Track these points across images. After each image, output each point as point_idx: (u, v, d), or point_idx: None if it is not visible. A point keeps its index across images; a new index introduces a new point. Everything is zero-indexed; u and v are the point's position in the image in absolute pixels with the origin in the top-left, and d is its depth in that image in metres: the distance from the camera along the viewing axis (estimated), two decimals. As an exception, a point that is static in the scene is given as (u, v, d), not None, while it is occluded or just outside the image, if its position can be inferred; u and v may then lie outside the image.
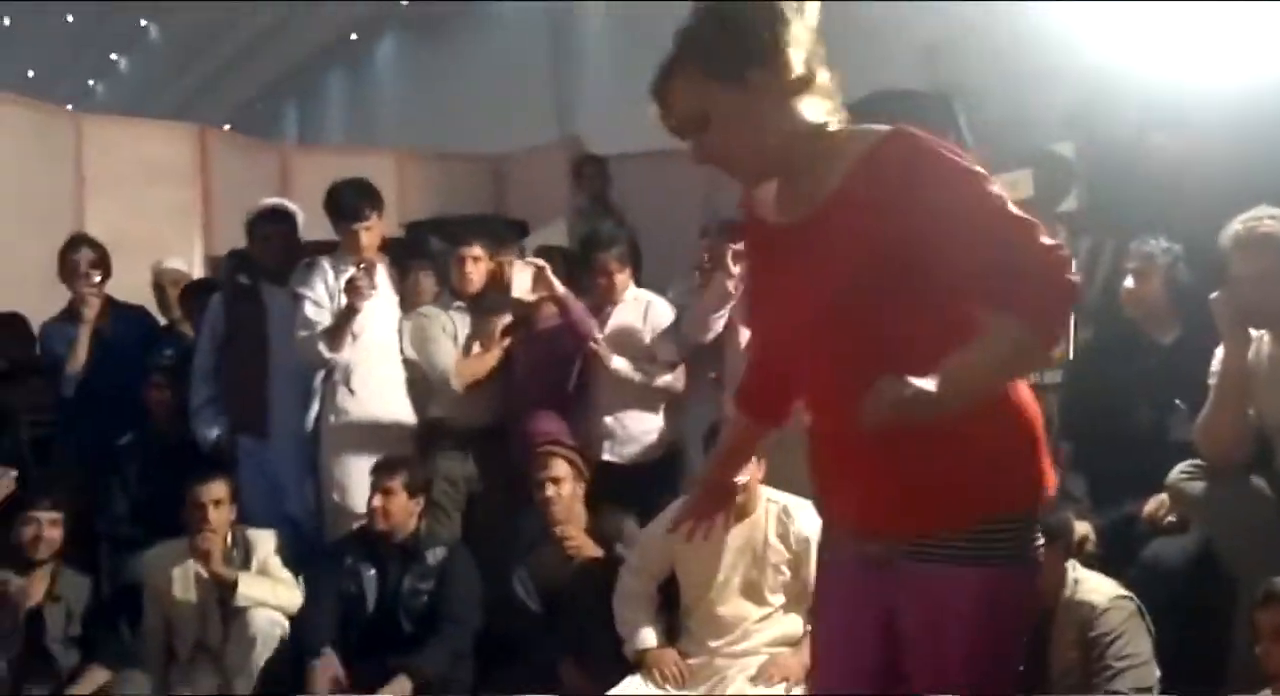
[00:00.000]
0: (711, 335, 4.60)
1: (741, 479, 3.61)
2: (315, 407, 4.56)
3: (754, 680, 3.48)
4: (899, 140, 1.78)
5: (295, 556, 4.23)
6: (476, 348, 4.64)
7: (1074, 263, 1.76)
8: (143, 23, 19.73)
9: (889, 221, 1.75)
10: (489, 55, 15.08)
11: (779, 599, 3.67)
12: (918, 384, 1.65)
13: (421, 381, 4.60)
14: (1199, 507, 3.33)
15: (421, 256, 5.19)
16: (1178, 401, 3.68)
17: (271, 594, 4.03)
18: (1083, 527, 3.52)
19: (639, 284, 4.80)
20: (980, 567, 1.80)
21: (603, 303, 4.66)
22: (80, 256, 5.12)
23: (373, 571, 3.99)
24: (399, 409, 4.56)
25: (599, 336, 4.53)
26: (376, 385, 4.51)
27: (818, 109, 1.84)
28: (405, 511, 4.02)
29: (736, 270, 4.53)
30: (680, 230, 6.37)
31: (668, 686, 3.56)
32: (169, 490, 4.20)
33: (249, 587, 3.99)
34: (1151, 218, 4.32)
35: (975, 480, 1.80)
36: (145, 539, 4.28)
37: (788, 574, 3.67)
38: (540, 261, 4.62)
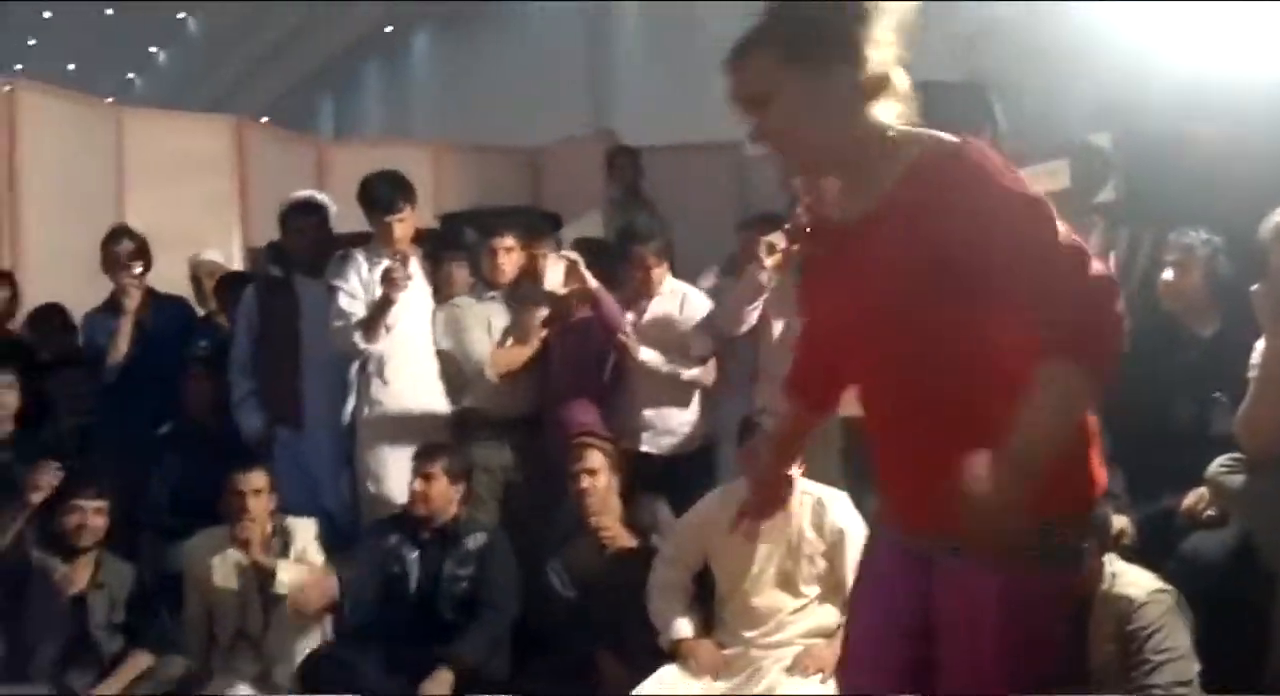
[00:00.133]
0: (745, 328, 4.60)
1: (795, 471, 3.65)
2: (351, 399, 4.59)
3: (789, 671, 3.49)
4: (953, 154, 1.76)
5: (330, 548, 4.26)
6: (511, 340, 4.66)
7: (1120, 293, 1.73)
8: (180, 16, 19.91)
9: (932, 233, 1.74)
10: (524, 48, 15.12)
11: (814, 590, 3.68)
12: (997, 465, 1.65)
13: (455, 372, 4.62)
14: (1239, 501, 3.30)
15: (455, 248, 5.22)
16: (1218, 395, 3.65)
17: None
18: (1120, 521, 3.51)
19: (673, 274, 4.81)
20: (1020, 568, 1.78)
21: (639, 296, 4.66)
22: (121, 248, 5.17)
23: (415, 554, 4.02)
24: (433, 399, 4.59)
25: (629, 329, 4.54)
26: (410, 376, 4.53)
27: (887, 112, 1.83)
28: (445, 496, 4.04)
29: (769, 263, 4.53)
30: (711, 222, 6.38)
31: (703, 677, 3.58)
32: (208, 479, 4.25)
33: (288, 575, 4.04)
34: (1191, 209, 4.28)
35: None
36: (185, 527, 4.32)
37: (822, 565, 3.68)
38: (573, 255, 4.63)
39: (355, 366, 4.56)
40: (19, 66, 16.95)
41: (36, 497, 4.13)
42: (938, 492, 1.83)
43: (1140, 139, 5.00)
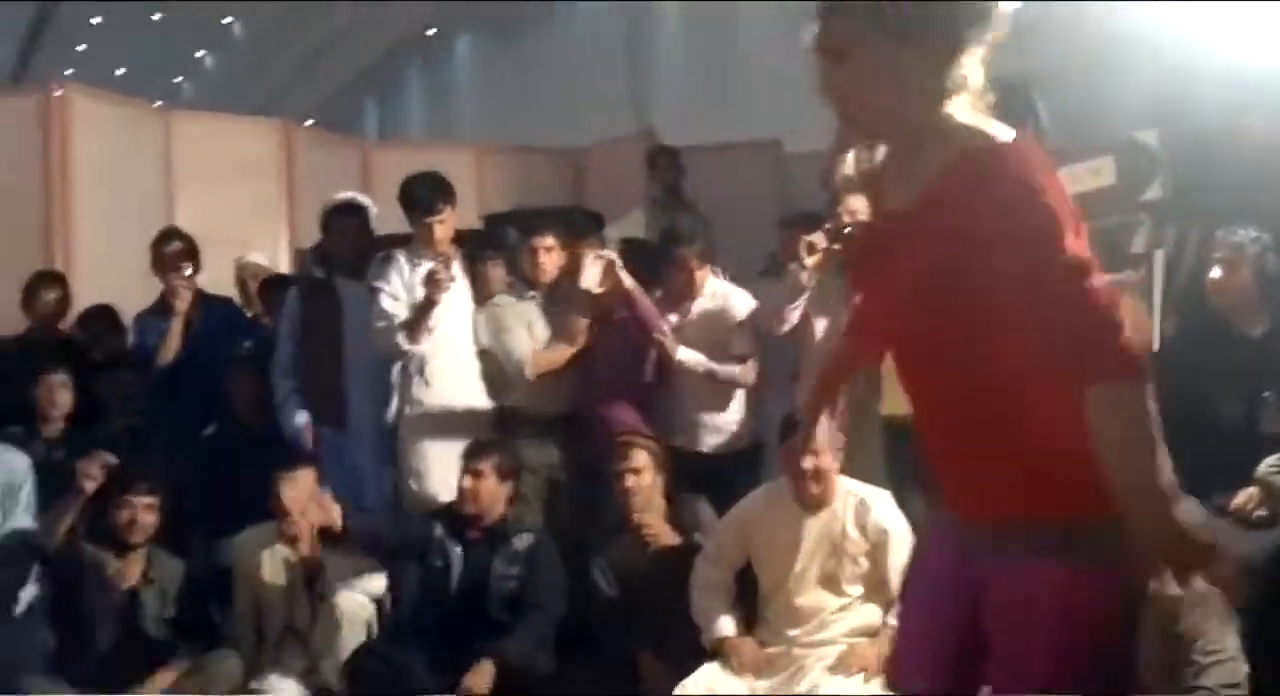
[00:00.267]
0: (787, 327, 4.60)
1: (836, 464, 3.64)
2: (394, 399, 4.62)
3: (832, 670, 3.49)
4: (992, 153, 1.76)
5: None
6: (553, 340, 4.67)
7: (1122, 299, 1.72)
8: (227, 21, 20.13)
9: (953, 230, 1.75)
10: (566, 49, 15.16)
11: (857, 589, 3.68)
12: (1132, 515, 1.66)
13: (497, 371, 4.64)
14: (1289, 501, 3.27)
15: (492, 248, 5.23)
16: (1267, 394, 3.62)
17: (357, 577, 4.11)
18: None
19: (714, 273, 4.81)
20: (1068, 565, 1.77)
21: (682, 297, 4.66)
22: (171, 249, 5.25)
23: (459, 549, 4.02)
24: (474, 399, 4.61)
25: (666, 329, 4.53)
26: (451, 375, 4.56)
27: (958, 103, 1.83)
28: (494, 495, 4.04)
29: (810, 262, 4.52)
30: (752, 221, 6.38)
31: (745, 675, 3.58)
32: (255, 478, 4.30)
33: (335, 571, 4.08)
34: (1239, 206, 4.23)
35: (1070, 474, 1.77)
36: (234, 524, 4.37)
37: (865, 564, 3.68)
38: (610, 254, 4.65)
39: (397, 367, 4.60)
40: (70, 72, 17.23)
41: (89, 486, 4.19)
42: (980, 483, 1.83)
43: (1187, 135, 4.95)
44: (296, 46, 20.02)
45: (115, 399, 5.14)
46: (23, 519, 4.48)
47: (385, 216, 4.99)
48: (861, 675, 3.45)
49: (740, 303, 4.68)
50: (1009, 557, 1.82)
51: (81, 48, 19.69)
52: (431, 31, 19.32)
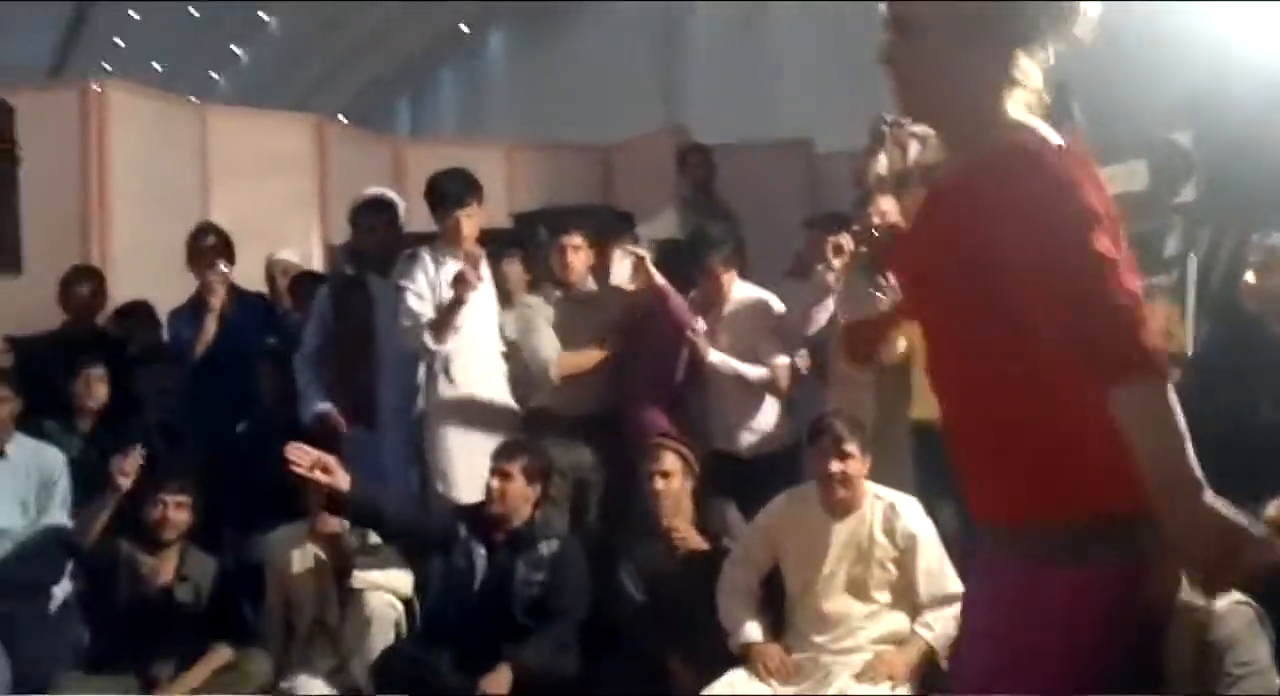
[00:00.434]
0: (814, 329, 4.60)
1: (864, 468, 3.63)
2: (421, 399, 4.63)
3: (859, 677, 3.47)
4: (1029, 152, 1.75)
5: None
6: (577, 341, 4.66)
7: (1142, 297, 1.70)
8: (263, 16, 20.25)
9: (983, 224, 1.74)
10: (598, 47, 15.16)
11: (885, 596, 3.67)
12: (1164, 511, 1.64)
13: (522, 371, 4.65)
14: (1323, 510, 3.23)
15: (511, 245, 5.22)
16: (1302, 399, 3.58)
17: (385, 577, 4.14)
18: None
19: (743, 276, 4.80)
20: (1076, 567, 1.76)
21: (711, 303, 4.65)
22: (206, 244, 5.30)
23: (483, 550, 3.99)
24: (499, 398, 4.61)
25: (698, 327, 4.53)
26: (477, 375, 4.55)
27: (1017, 101, 1.82)
28: (521, 496, 4.00)
29: (837, 264, 4.52)
30: (782, 220, 6.36)
31: (772, 681, 3.57)
32: (286, 474, 4.32)
33: (365, 570, 4.11)
34: (1274, 208, 4.20)
35: (1089, 475, 1.75)
36: (265, 522, 4.41)
37: (894, 571, 3.66)
38: (641, 251, 4.64)
39: (423, 365, 4.60)
40: (108, 67, 17.39)
41: (124, 483, 4.23)
42: (1000, 484, 1.83)
43: (1222, 137, 4.92)
44: (331, 43, 20.11)
45: (150, 393, 5.19)
46: (58, 515, 4.55)
47: (416, 213, 5.00)
48: (888, 683, 3.44)
49: (769, 306, 4.67)
50: (1025, 559, 1.82)
51: (119, 43, 19.86)
52: (465, 29, 19.36)
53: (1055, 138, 1.79)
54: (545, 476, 4.15)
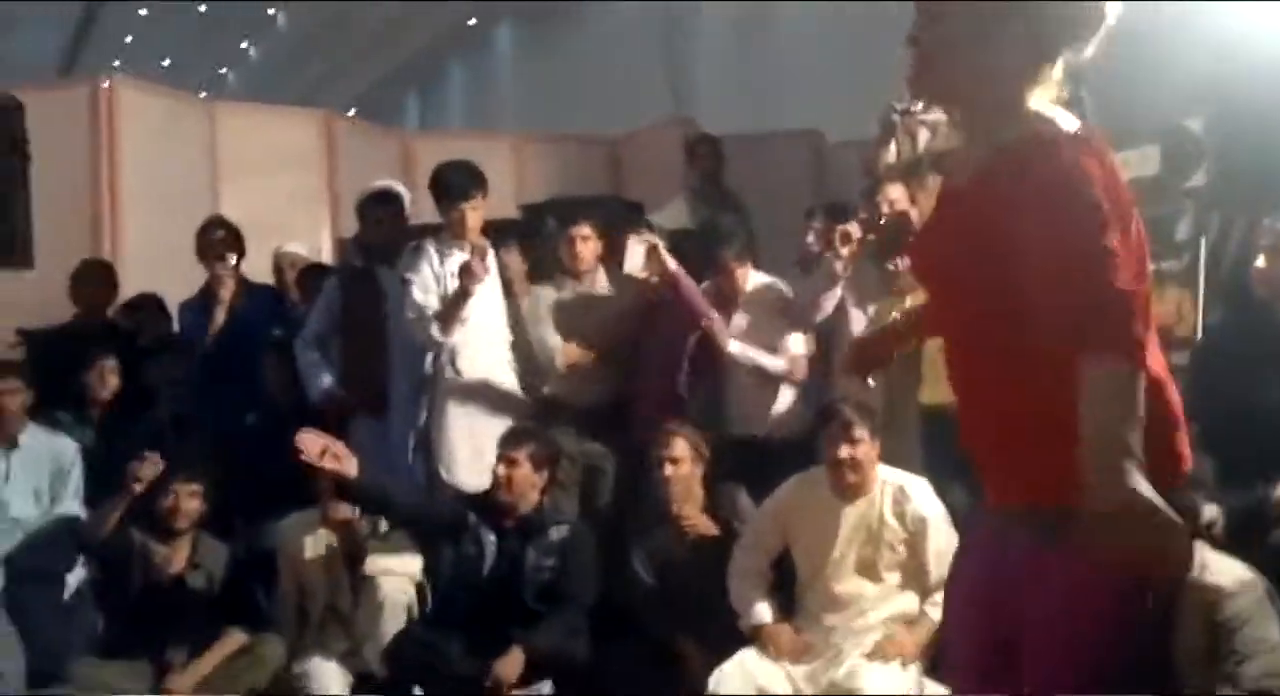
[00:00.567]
0: (821, 316, 4.60)
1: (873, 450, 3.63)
2: (429, 389, 4.64)
3: (869, 657, 3.49)
4: (1046, 143, 1.76)
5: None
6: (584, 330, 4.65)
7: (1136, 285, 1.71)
8: (271, 12, 20.30)
9: (999, 212, 1.76)
10: (606, 40, 15.16)
11: (895, 577, 3.68)
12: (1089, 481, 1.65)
13: (529, 361, 4.65)
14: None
15: (513, 236, 5.22)
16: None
17: (398, 562, 4.16)
18: (1211, 511, 3.44)
19: (755, 267, 4.79)
20: (1084, 548, 1.76)
21: (726, 297, 4.63)
22: (216, 237, 5.31)
23: (492, 537, 4.00)
24: (505, 388, 4.60)
25: (714, 315, 4.53)
26: (484, 365, 4.55)
27: (1036, 91, 1.83)
28: (528, 483, 4.01)
29: (845, 252, 4.52)
30: (790, 210, 6.35)
31: (782, 661, 3.58)
32: (297, 463, 4.34)
33: (376, 555, 4.13)
34: (1286, 194, 4.19)
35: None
36: (276, 510, 4.43)
37: (903, 552, 3.68)
38: (654, 238, 4.64)
39: (429, 356, 4.60)
40: (117, 63, 17.44)
41: (138, 488, 4.26)
42: (1014, 468, 1.84)
43: (1233, 123, 4.90)
44: (339, 38, 20.16)
45: (161, 385, 5.21)
46: (71, 505, 4.58)
47: (425, 206, 5.01)
48: (899, 661, 3.45)
49: (783, 293, 4.65)
50: (1039, 545, 1.82)
51: (129, 39, 19.92)
52: (472, 22, 19.38)
53: (1075, 128, 1.79)
54: (552, 463, 4.15)
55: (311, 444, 3.57)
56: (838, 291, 4.54)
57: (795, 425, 4.57)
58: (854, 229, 4.62)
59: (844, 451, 3.66)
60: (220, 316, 5.15)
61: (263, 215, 6.48)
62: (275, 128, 7.78)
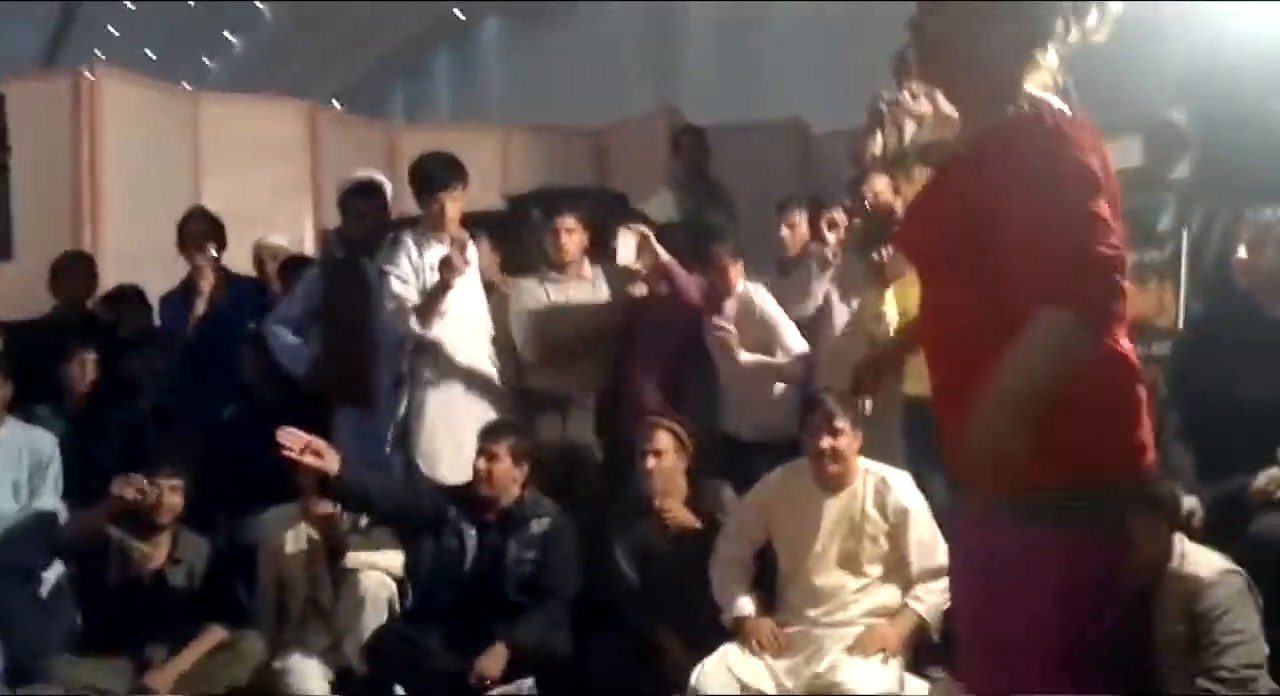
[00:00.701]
0: (813, 304, 4.58)
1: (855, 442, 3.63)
2: (409, 381, 4.61)
3: (851, 650, 3.47)
4: (1037, 118, 1.81)
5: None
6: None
7: (1126, 266, 1.76)
8: (256, 3, 20.22)
9: (988, 184, 1.80)
10: (592, 32, 15.14)
11: (876, 569, 3.67)
12: (985, 404, 1.69)
13: (510, 352, 4.64)
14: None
15: (489, 227, 5.18)
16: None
17: (379, 556, 4.14)
18: (1191, 502, 3.44)
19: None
20: (1058, 531, 1.78)
21: (720, 296, 4.58)
22: (197, 229, 5.29)
23: (473, 531, 3.99)
24: (486, 380, 4.57)
25: (729, 325, 4.45)
26: (464, 357, 4.52)
27: (1034, 76, 1.88)
28: (508, 476, 4.01)
29: (833, 238, 4.51)
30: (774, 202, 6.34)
31: (763, 655, 3.57)
32: (277, 457, 4.32)
33: (358, 550, 4.11)
34: (1268, 185, 4.19)
35: (1060, 440, 1.77)
36: (257, 504, 4.39)
37: (885, 545, 3.67)
38: (644, 228, 4.62)
39: (409, 349, 4.56)
40: (101, 54, 17.35)
41: (118, 506, 4.21)
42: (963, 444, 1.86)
43: (1216, 114, 4.91)
44: (324, 29, 20.09)
45: (142, 377, 5.18)
46: (49, 499, 4.55)
47: (409, 198, 4.97)
48: (880, 655, 3.44)
49: (768, 296, 4.61)
50: (1013, 523, 1.82)
51: (113, 30, 19.83)
52: (459, 14, 19.34)
53: (1067, 112, 1.85)
54: (532, 456, 4.14)
55: (293, 440, 3.55)
56: (826, 279, 4.53)
57: (787, 425, 4.55)
58: (840, 216, 4.62)
59: (825, 442, 3.66)
60: (201, 308, 5.12)
61: (246, 207, 6.45)
62: (259, 119, 7.75)
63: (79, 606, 4.32)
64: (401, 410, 4.51)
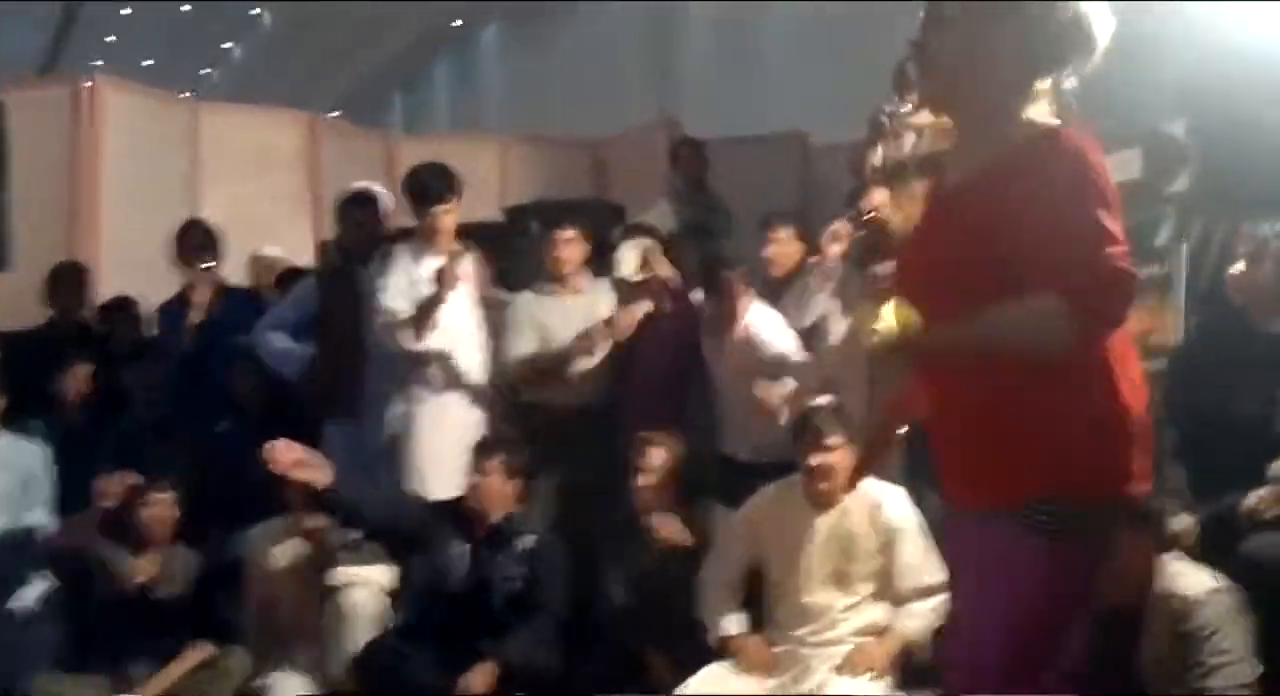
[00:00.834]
0: (810, 319, 4.56)
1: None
2: (402, 394, 4.59)
3: (839, 670, 3.45)
4: (1047, 138, 1.83)
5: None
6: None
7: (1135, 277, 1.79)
8: (255, 12, 20.25)
9: (1002, 220, 1.81)
10: (591, 42, 15.16)
11: (867, 587, 3.63)
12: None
13: (502, 367, 4.61)
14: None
15: (486, 239, 5.16)
16: (1281, 393, 3.56)
17: (368, 571, 4.11)
18: (1184, 521, 3.41)
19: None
20: (1050, 543, 1.80)
21: (726, 322, 4.50)
22: (194, 241, 5.28)
23: (464, 547, 3.96)
24: (479, 395, 4.55)
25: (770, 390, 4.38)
26: (458, 371, 4.50)
27: (1035, 98, 1.90)
28: (501, 492, 3.98)
29: (836, 249, 4.48)
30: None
31: (752, 674, 3.54)
32: (268, 472, 4.29)
33: (347, 565, 4.09)
34: (1267, 199, 4.17)
35: (1059, 456, 1.80)
36: (249, 518, 4.38)
37: (876, 562, 3.63)
38: (647, 241, 4.60)
39: (403, 361, 4.53)
40: (99, 63, 17.36)
41: (107, 503, 4.20)
42: (961, 462, 1.91)
43: (1215, 127, 4.88)
44: (324, 38, 20.11)
45: (137, 389, 5.17)
46: (39, 513, 4.53)
47: (407, 208, 4.96)
48: (868, 674, 3.41)
49: (773, 317, 4.56)
50: (999, 536, 1.84)
51: (111, 39, 19.85)
52: (458, 24, 19.36)
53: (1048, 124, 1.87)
54: (524, 472, 4.11)
55: (284, 455, 3.53)
56: (827, 291, 4.50)
57: (785, 446, 4.51)
58: (843, 227, 4.60)
59: (815, 459, 3.62)
60: (196, 320, 5.11)
61: (245, 217, 6.45)
62: (258, 129, 7.75)
63: (66, 621, 4.29)
64: (394, 423, 4.49)
